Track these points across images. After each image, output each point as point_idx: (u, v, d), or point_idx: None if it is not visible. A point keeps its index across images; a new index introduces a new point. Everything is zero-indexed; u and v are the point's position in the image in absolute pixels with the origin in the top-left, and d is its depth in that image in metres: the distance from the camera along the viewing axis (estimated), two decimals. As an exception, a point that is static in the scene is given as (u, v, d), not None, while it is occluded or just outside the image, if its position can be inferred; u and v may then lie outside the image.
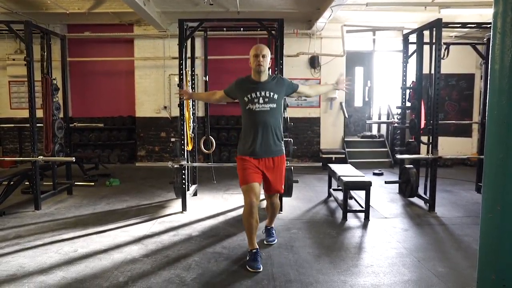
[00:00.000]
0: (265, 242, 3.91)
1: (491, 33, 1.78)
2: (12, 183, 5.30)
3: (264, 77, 3.46)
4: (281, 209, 5.07)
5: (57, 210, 5.22)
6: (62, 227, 4.48)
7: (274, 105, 3.41)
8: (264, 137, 3.41)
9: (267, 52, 3.41)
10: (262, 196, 3.87)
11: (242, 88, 3.47)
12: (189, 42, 5.69)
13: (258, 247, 3.45)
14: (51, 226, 4.52)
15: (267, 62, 3.41)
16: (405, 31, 7.04)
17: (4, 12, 7.85)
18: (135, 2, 6.46)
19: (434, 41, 5.22)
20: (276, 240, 3.96)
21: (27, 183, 5.74)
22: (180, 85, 5.03)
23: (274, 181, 3.56)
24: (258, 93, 3.39)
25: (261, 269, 3.28)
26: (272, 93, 3.41)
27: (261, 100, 3.38)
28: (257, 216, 3.38)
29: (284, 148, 3.62)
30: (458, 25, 6.10)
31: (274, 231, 4.05)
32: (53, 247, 3.83)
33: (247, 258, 3.41)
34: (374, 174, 7.92)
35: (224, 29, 6.40)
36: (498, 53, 1.74)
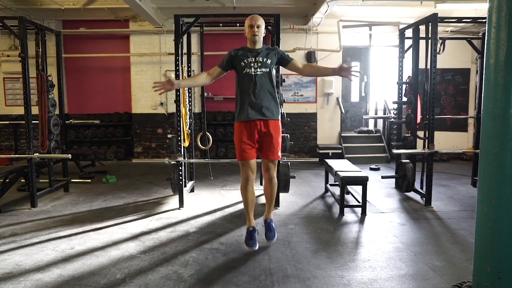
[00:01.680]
0: (265, 239, 3.76)
1: (487, 28, 1.78)
2: (7, 180, 5.28)
3: (259, 46, 3.63)
4: (278, 205, 5.09)
5: (54, 207, 5.21)
6: (59, 224, 4.47)
7: (267, 69, 3.56)
8: (260, 99, 3.53)
9: (261, 22, 3.57)
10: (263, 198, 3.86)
11: (239, 55, 3.61)
12: (185, 37, 5.66)
13: (255, 225, 3.61)
14: (47, 223, 4.51)
15: (261, 32, 3.57)
16: (401, 26, 7.05)
17: (-2, 9, 7.80)
18: (131, -2, 6.43)
19: (430, 36, 5.23)
20: (276, 237, 3.78)
21: (23, 180, 5.72)
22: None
23: (270, 147, 3.61)
24: (254, 59, 3.56)
25: (257, 248, 3.47)
26: (265, 59, 3.57)
27: (255, 65, 3.54)
28: (253, 190, 3.63)
29: (279, 114, 3.68)
30: (454, 20, 6.11)
31: (273, 225, 3.83)
32: (49, 244, 3.82)
33: (245, 236, 3.62)
34: (371, 169, 7.95)
35: (220, 24, 6.37)
36: (493, 47, 1.74)
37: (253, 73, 3.53)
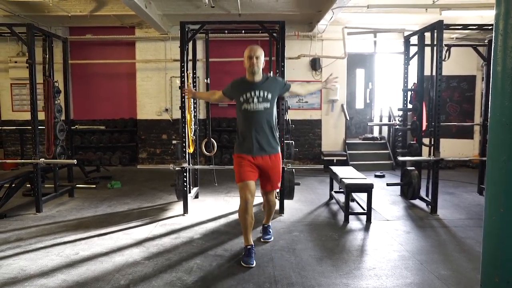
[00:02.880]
0: (261, 240, 4.04)
1: (493, 35, 1.77)
2: (13, 185, 5.29)
3: (258, 78, 3.56)
4: (282, 212, 5.07)
5: (59, 212, 5.22)
6: (64, 229, 4.47)
7: (268, 105, 3.53)
8: (260, 136, 3.53)
9: (260, 53, 3.51)
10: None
11: (238, 89, 3.60)
12: (190, 44, 5.69)
13: (252, 243, 3.59)
14: (52, 228, 4.52)
15: (260, 62, 3.52)
16: (406, 33, 7.05)
17: (6, 15, 7.87)
18: (137, 5, 6.48)
19: (435, 42, 5.22)
20: (272, 238, 4.09)
21: (29, 185, 5.74)
22: (181, 87, 5.03)
23: (270, 179, 3.67)
24: (252, 93, 3.50)
25: (254, 265, 3.43)
26: (266, 93, 3.52)
27: (255, 100, 3.50)
28: (252, 213, 3.52)
29: (279, 147, 3.72)
30: (459, 27, 6.10)
31: (270, 230, 4.15)
32: (54, 249, 3.83)
33: (243, 254, 3.56)
34: (376, 176, 7.91)
35: (226, 31, 6.40)
36: (500, 55, 1.73)
37: (252, 109, 3.50)
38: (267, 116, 3.53)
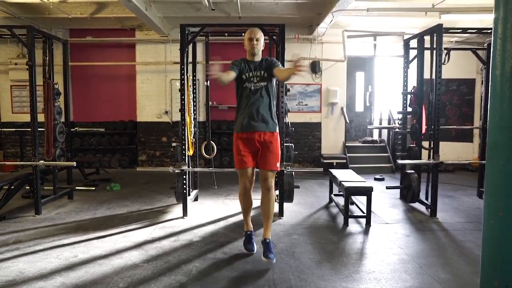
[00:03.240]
0: (263, 258, 3.52)
1: (492, 39, 1.78)
2: (13, 187, 5.29)
3: (258, 58, 3.73)
4: (282, 214, 5.07)
5: (58, 214, 5.22)
6: (63, 232, 4.47)
7: (266, 83, 3.66)
8: (258, 113, 3.63)
9: (260, 35, 3.70)
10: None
11: (241, 67, 3.69)
12: (190, 47, 5.70)
13: (252, 229, 3.79)
14: (51, 231, 4.51)
15: (260, 44, 3.69)
16: (406, 36, 7.06)
17: (6, 17, 7.89)
18: (137, 7, 6.49)
19: (435, 46, 5.23)
20: (274, 258, 3.54)
21: (28, 187, 5.73)
22: (181, 90, 5.03)
23: (268, 157, 3.65)
24: (253, 73, 3.66)
25: (255, 251, 3.60)
26: (263, 72, 3.67)
27: (255, 79, 3.65)
28: (251, 196, 3.73)
29: (277, 127, 3.77)
30: (459, 31, 6.11)
31: (273, 246, 3.67)
32: (53, 252, 3.82)
33: (243, 240, 3.80)
34: (375, 179, 7.91)
35: (226, 34, 6.41)
36: (499, 58, 1.74)
37: (252, 87, 3.65)
38: (266, 93, 3.66)
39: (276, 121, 3.78)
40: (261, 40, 3.69)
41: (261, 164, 3.69)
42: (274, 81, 3.79)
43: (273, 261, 3.51)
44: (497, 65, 1.75)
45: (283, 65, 4.95)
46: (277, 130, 3.77)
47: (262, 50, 3.76)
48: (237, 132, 3.70)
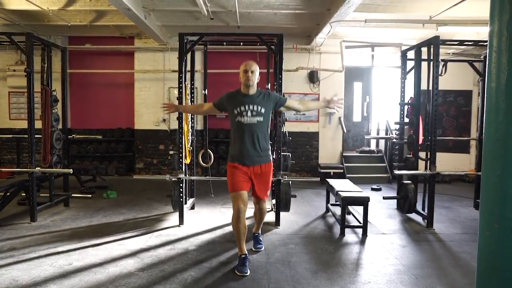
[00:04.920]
0: (253, 249, 4.09)
1: (488, 52, 1.80)
2: (8, 194, 5.27)
3: (253, 91, 3.68)
4: (278, 224, 5.06)
5: (53, 222, 5.19)
6: (58, 239, 4.44)
7: (261, 119, 3.65)
8: (252, 148, 3.65)
9: (255, 68, 3.65)
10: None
11: (232, 101, 3.69)
12: (189, 55, 5.72)
13: (246, 253, 3.67)
14: (46, 238, 4.48)
15: (255, 77, 3.64)
16: (403, 48, 7.13)
17: (6, 24, 7.91)
18: (136, 16, 6.53)
19: (432, 57, 5.27)
20: (263, 247, 4.17)
21: (24, 194, 5.71)
22: (179, 98, 5.05)
23: (261, 187, 3.79)
24: (246, 107, 3.62)
25: (248, 274, 3.48)
26: (259, 107, 3.63)
27: (249, 113, 3.62)
28: (245, 222, 3.63)
29: (271, 157, 3.85)
30: (456, 43, 6.17)
31: (261, 238, 4.27)
32: (47, 260, 3.79)
33: (237, 263, 3.64)
34: (372, 189, 7.91)
35: (224, 43, 6.45)
36: (494, 71, 1.75)
37: (246, 122, 3.62)
38: (260, 129, 3.66)
39: (270, 152, 3.83)
40: (256, 72, 3.64)
41: (255, 193, 3.84)
42: (271, 113, 3.82)
43: (261, 250, 4.11)
44: (493, 78, 1.76)
45: (280, 74, 4.99)
46: (271, 160, 3.83)
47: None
48: (231, 162, 3.74)
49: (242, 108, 3.61)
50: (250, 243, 4.22)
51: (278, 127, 5.06)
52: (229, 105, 3.72)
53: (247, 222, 4.83)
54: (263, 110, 3.64)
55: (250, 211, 4.69)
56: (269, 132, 3.81)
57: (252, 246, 4.13)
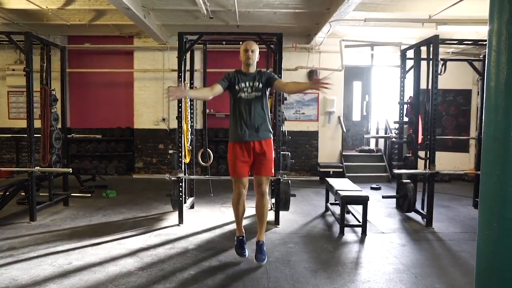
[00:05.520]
0: (255, 261, 3.71)
1: (487, 51, 1.80)
2: (7, 193, 5.27)
3: (252, 69, 3.82)
4: (278, 223, 5.06)
5: (53, 221, 5.19)
6: (57, 239, 4.44)
7: (259, 93, 3.76)
8: (252, 120, 3.73)
9: (255, 47, 3.79)
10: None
11: (235, 79, 3.79)
12: (188, 55, 5.72)
13: (244, 234, 3.85)
14: (46, 237, 4.48)
15: (255, 56, 3.77)
16: (402, 47, 7.11)
17: (5, 23, 7.90)
18: (136, 15, 6.52)
19: (431, 57, 5.27)
20: (266, 260, 3.75)
21: (23, 193, 5.70)
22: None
23: (264, 163, 3.78)
24: (247, 83, 3.75)
25: (246, 255, 3.70)
26: (257, 83, 3.76)
27: (249, 90, 3.74)
28: (244, 203, 3.83)
29: (271, 133, 3.88)
30: (455, 42, 6.17)
31: (264, 248, 3.81)
32: (47, 259, 3.79)
33: (235, 244, 3.85)
34: (372, 188, 7.91)
35: (224, 42, 6.45)
36: (493, 70, 1.75)
37: (246, 97, 3.74)
38: (259, 104, 3.76)
39: (270, 128, 3.87)
40: (256, 52, 3.77)
41: (256, 170, 3.80)
42: (268, 92, 3.89)
43: (262, 263, 3.71)
44: (492, 77, 1.76)
45: (280, 74, 4.99)
46: (271, 137, 3.87)
47: (257, 62, 3.85)
48: (232, 141, 3.81)
49: (243, 85, 3.74)
50: (252, 249, 3.94)
51: (277, 126, 5.06)
52: (232, 81, 3.79)
53: (248, 221, 4.86)
54: (260, 85, 3.76)
55: (250, 210, 4.70)
56: (268, 109, 3.87)
57: (254, 258, 3.73)
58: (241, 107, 3.75)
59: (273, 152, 3.93)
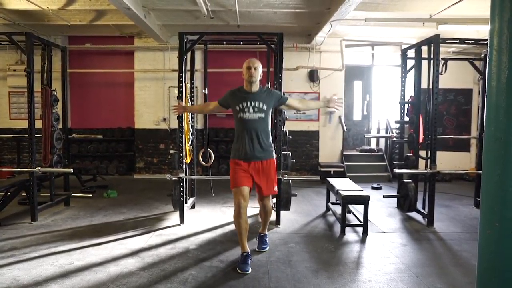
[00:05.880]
0: (256, 249, 4.07)
1: (488, 50, 1.79)
2: (9, 193, 5.27)
3: (255, 88, 3.75)
4: (279, 223, 5.06)
5: (54, 221, 5.19)
6: (58, 239, 4.44)
7: (263, 115, 3.71)
8: (253, 143, 3.70)
9: (258, 65, 3.74)
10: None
11: (235, 98, 3.76)
12: (189, 55, 5.72)
13: (248, 250, 3.68)
14: (47, 237, 4.48)
15: (258, 74, 3.72)
16: (403, 46, 7.11)
17: (6, 24, 7.90)
18: (136, 15, 6.53)
19: (432, 56, 5.26)
20: (267, 248, 4.12)
21: (24, 194, 5.71)
22: (180, 97, 5.05)
23: (265, 183, 3.80)
24: (249, 103, 3.68)
25: (249, 271, 3.49)
26: (261, 104, 3.70)
27: (251, 110, 3.68)
28: (246, 218, 3.67)
29: (273, 153, 3.88)
30: (456, 41, 6.16)
31: (267, 239, 4.19)
32: (48, 259, 3.80)
33: (239, 260, 3.64)
34: (373, 188, 7.90)
35: (224, 42, 6.44)
36: (494, 70, 1.75)
37: (248, 118, 3.68)
38: (261, 125, 3.72)
39: (273, 148, 3.87)
40: (258, 69, 3.71)
41: (259, 189, 3.83)
42: (271, 111, 3.86)
43: (265, 251, 4.05)
44: (493, 76, 1.76)
45: (280, 73, 4.99)
46: (274, 156, 3.88)
47: (260, 80, 3.80)
48: (233, 158, 3.80)
49: (244, 104, 3.68)
50: (254, 242, 4.24)
51: (278, 126, 5.06)
52: (232, 101, 3.78)
53: (250, 221, 4.85)
54: (264, 107, 3.70)
55: (252, 210, 4.71)
56: (270, 128, 3.85)
57: (256, 247, 4.11)
58: (243, 128, 3.71)
59: (275, 171, 3.90)
